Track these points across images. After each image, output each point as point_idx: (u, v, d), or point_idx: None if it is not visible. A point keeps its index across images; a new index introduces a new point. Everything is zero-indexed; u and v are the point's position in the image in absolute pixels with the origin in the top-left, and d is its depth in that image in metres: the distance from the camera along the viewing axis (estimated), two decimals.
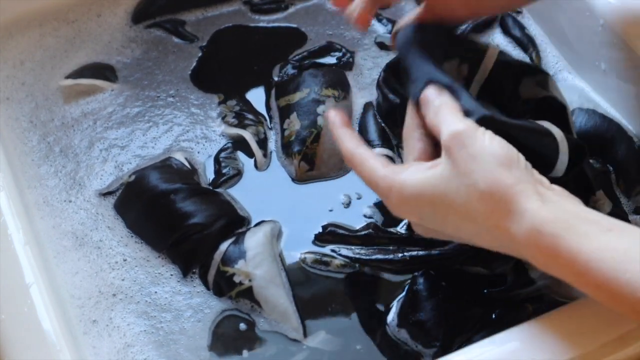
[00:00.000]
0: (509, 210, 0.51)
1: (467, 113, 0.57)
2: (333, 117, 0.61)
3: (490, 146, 0.53)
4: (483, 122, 0.57)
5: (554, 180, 0.54)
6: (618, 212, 0.66)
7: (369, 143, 0.73)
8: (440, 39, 0.63)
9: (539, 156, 0.60)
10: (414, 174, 0.55)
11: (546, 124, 0.60)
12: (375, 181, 0.57)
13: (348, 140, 0.60)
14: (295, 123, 0.73)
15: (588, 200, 0.65)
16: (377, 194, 0.57)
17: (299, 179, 0.73)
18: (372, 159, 0.58)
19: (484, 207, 0.52)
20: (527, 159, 0.58)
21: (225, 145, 0.75)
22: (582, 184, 0.66)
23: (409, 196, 0.55)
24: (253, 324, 0.64)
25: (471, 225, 0.53)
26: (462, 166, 0.53)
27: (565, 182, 0.59)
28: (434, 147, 0.58)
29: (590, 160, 0.71)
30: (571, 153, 0.60)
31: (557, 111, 0.64)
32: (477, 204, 0.52)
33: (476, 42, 0.68)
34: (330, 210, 0.70)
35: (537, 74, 0.66)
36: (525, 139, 0.58)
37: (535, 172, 0.54)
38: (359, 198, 0.71)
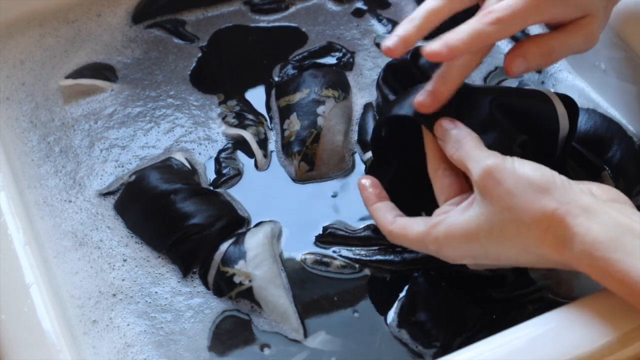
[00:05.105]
0: (558, 237, 0.52)
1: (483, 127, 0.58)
2: (368, 193, 0.64)
3: (523, 175, 0.53)
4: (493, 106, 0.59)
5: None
6: None
7: (369, 143, 0.72)
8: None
9: (543, 127, 0.61)
10: (454, 220, 0.56)
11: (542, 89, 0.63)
12: (422, 243, 0.58)
13: (382, 216, 0.62)
14: (295, 123, 0.73)
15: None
16: (430, 254, 0.59)
17: (299, 179, 0.73)
18: (409, 225, 0.59)
19: (533, 238, 0.53)
20: (532, 134, 0.59)
21: (226, 145, 0.75)
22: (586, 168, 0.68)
23: (457, 244, 0.56)
24: (253, 325, 0.64)
25: (525, 255, 0.54)
26: (501, 203, 0.53)
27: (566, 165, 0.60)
28: (460, 177, 0.60)
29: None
30: (567, 110, 0.62)
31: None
32: (526, 237, 0.53)
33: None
34: (331, 211, 0.70)
35: None
36: (528, 111, 0.60)
37: (576, 183, 0.54)
38: None
